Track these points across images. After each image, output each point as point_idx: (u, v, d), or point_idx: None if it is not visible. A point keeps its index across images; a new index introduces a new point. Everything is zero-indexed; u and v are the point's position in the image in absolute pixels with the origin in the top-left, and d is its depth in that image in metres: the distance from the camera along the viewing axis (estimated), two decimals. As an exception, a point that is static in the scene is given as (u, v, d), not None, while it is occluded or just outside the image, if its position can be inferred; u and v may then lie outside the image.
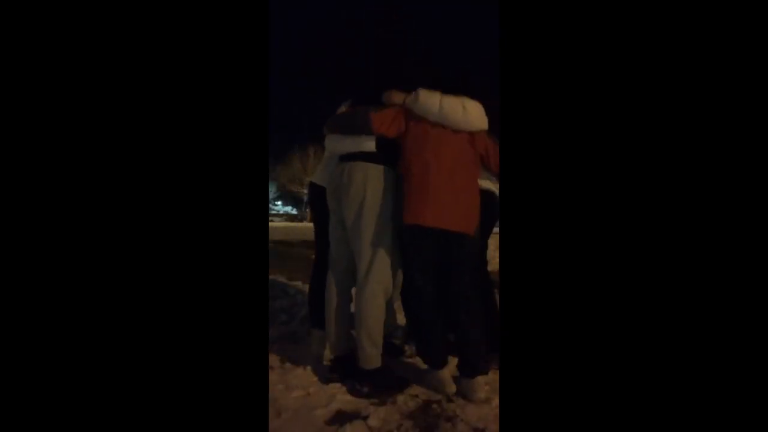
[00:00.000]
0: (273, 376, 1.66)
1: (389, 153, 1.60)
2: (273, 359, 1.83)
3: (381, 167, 1.58)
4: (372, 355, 1.56)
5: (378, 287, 1.57)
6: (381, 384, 1.54)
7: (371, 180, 1.56)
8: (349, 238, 1.63)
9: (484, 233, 1.81)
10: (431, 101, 1.53)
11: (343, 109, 1.76)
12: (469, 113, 1.54)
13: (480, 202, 1.63)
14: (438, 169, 1.53)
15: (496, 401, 1.47)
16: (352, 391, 1.53)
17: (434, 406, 1.47)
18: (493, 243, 2.28)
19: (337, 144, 1.69)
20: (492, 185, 1.84)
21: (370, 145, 1.58)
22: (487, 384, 1.62)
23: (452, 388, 1.55)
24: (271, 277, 3.68)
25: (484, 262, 1.90)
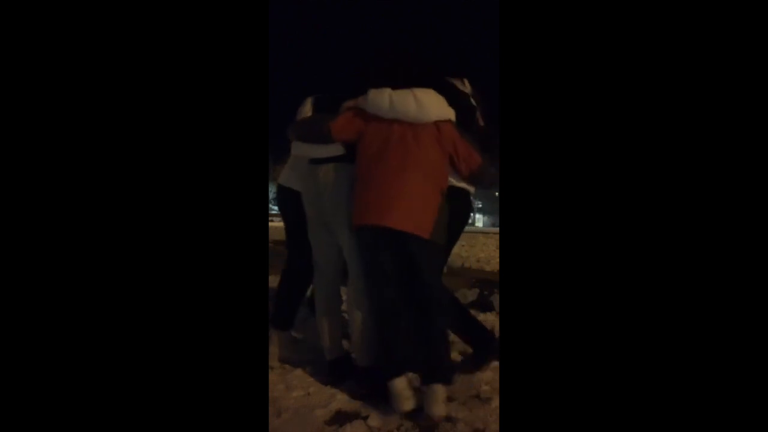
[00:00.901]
0: (273, 376, 1.66)
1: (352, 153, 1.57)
2: (273, 359, 1.83)
3: (344, 167, 1.57)
4: (336, 348, 1.57)
5: (356, 287, 1.56)
6: (380, 382, 1.52)
7: (337, 181, 1.55)
8: (340, 239, 1.61)
9: (452, 236, 1.67)
10: (380, 98, 1.47)
11: (307, 107, 1.71)
12: (423, 104, 1.45)
13: (449, 202, 1.53)
14: (385, 165, 1.45)
15: (496, 401, 1.47)
16: (352, 393, 1.52)
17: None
18: (494, 242, 2.26)
19: (304, 148, 1.65)
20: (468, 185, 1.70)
21: (338, 148, 1.56)
22: (488, 384, 1.62)
23: (406, 404, 1.37)
24: (271, 277, 3.67)
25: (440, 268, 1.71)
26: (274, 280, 2.01)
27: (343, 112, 1.56)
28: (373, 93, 1.50)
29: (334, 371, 1.65)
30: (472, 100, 1.68)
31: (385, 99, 1.47)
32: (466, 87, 1.69)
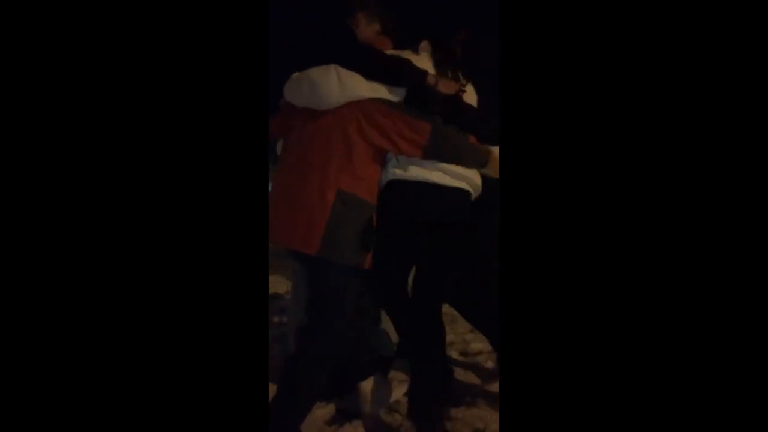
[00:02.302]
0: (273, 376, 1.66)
1: None
2: (273, 359, 1.83)
3: None
4: None
5: None
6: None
7: None
8: None
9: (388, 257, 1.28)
10: (287, 85, 1.26)
11: None
12: (316, 85, 1.19)
13: (392, 201, 1.25)
14: (280, 165, 1.25)
15: (495, 401, 1.47)
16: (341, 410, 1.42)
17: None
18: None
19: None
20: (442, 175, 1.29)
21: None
22: (488, 383, 1.62)
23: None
24: (271, 277, 3.67)
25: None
26: (274, 280, 2.00)
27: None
28: (287, 81, 1.29)
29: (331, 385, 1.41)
30: (435, 69, 1.36)
31: (290, 85, 1.27)
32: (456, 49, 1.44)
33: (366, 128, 1.18)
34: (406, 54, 1.33)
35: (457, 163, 1.29)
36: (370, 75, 1.22)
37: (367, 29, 1.40)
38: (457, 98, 1.31)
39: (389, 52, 1.32)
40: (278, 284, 3.59)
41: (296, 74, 1.25)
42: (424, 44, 1.40)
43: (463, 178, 1.33)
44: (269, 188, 1.20)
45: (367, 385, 1.32)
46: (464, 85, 1.33)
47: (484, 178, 1.41)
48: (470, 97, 1.39)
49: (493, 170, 1.34)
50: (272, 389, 1.52)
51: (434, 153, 1.23)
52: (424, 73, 1.27)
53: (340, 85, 1.19)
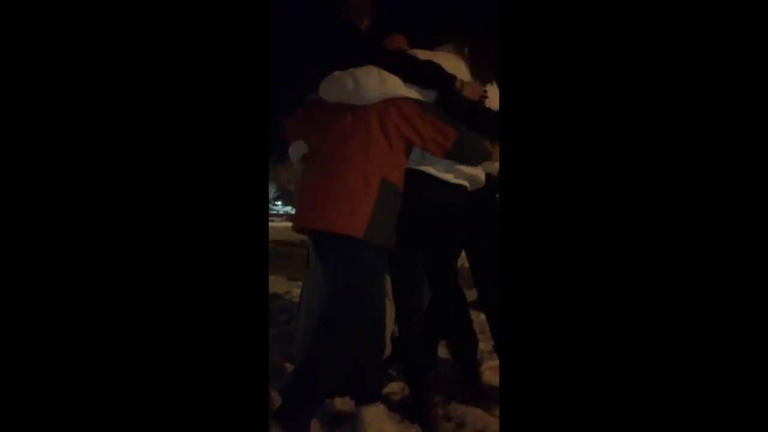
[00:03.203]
0: (273, 376, 1.66)
1: None
2: (273, 359, 1.83)
3: None
4: None
5: None
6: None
7: None
8: None
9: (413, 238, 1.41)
10: (327, 83, 1.35)
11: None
12: (360, 83, 1.30)
13: (417, 193, 1.37)
14: (317, 159, 1.31)
15: (496, 402, 1.47)
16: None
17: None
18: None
19: (291, 148, 1.60)
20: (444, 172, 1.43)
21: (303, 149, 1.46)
22: (488, 383, 1.62)
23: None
24: (271, 277, 3.68)
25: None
26: (274, 280, 2.00)
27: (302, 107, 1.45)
28: (325, 80, 1.38)
29: None
30: (468, 70, 1.50)
31: (330, 82, 1.36)
32: (464, 55, 1.53)
33: (401, 125, 1.29)
34: (441, 56, 1.44)
35: (470, 164, 1.44)
36: (405, 78, 1.34)
37: (359, 21, 1.53)
38: (479, 103, 1.42)
39: (419, 52, 1.43)
40: (278, 284, 3.60)
41: (337, 72, 1.35)
42: (457, 45, 1.51)
43: (468, 177, 1.47)
44: (300, 179, 1.30)
45: (370, 415, 1.29)
46: (486, 91, 1.45)
47: (488, 175, 1.56)
48: (495, 98, 1.49)
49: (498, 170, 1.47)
50: (272, 389, 1.53)
51: (454, 157, 1.37)
52: (453, 78, 1.37)
53: (382, 83, 1.30)
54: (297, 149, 1.63)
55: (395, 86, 1.31)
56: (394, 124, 1.28)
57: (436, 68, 1.36)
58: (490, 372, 1.74)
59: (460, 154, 1.36)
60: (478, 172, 1.50)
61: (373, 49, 1.41)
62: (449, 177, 1.43)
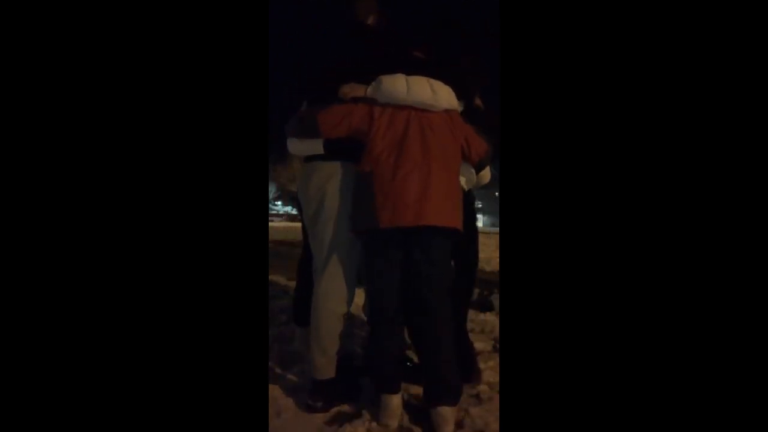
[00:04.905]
0: (273, 376, 1.66)
1: (348, 151, 1.44)
2: (273, 359, 1.83)
3: (339, 166, 1.46)
4: (322, 365, 1.44)
5: (331, 292, 1.45)
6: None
7: (330, 181, 1.46)
8: (309, 241, 1.56)
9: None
10: (397, 84, 1.39)
11: (303, 107, 1.60)
12: (437, 90, 1.41)
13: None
14: (406, 159, 1.34)
15: (496, 401, 1.47)
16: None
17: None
18: (494, 242, 2.24)
19: (295, 146, 1.56)
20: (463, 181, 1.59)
21: (320, 147, 1.46)
22: (488, 384, 1.62)
23: (393, 422, 1.34)
24: (271, 277, 3.68)
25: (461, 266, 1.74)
26: (274, 280, 2.00)
27: (345, 101, 1.43)
28: (386, 79, 1.41)
29: (322, 393, 1.46)
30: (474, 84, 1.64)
31: (402, 84, 1.39)
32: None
33: (461, 134, 1.46)
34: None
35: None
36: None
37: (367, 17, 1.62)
38: (485, 111, 1.61)
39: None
40: (278, 284, 3.59)
41: (385, 76, 1.43)
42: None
43: (468, 178, 1.60)
44: (367, 177, 1.38)
45: (396, 400, 1.36)
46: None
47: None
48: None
49: (484, 179, 1.64)
50: (272, 389, 1.53)
51: (483, 167, 1.55)
52: (477, 90, 1.54)
53: (433, 92, 1.42)
54: (297, 145, 1.58)
55: (453, 97, 1.46)
56: (456, 131, 1.44)
57: (468, 80, 1.51)
58: (490, 372, 1.73)
59: (487, 164, 1.55)
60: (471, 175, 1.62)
61: (412, 58, 1.50)
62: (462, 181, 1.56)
